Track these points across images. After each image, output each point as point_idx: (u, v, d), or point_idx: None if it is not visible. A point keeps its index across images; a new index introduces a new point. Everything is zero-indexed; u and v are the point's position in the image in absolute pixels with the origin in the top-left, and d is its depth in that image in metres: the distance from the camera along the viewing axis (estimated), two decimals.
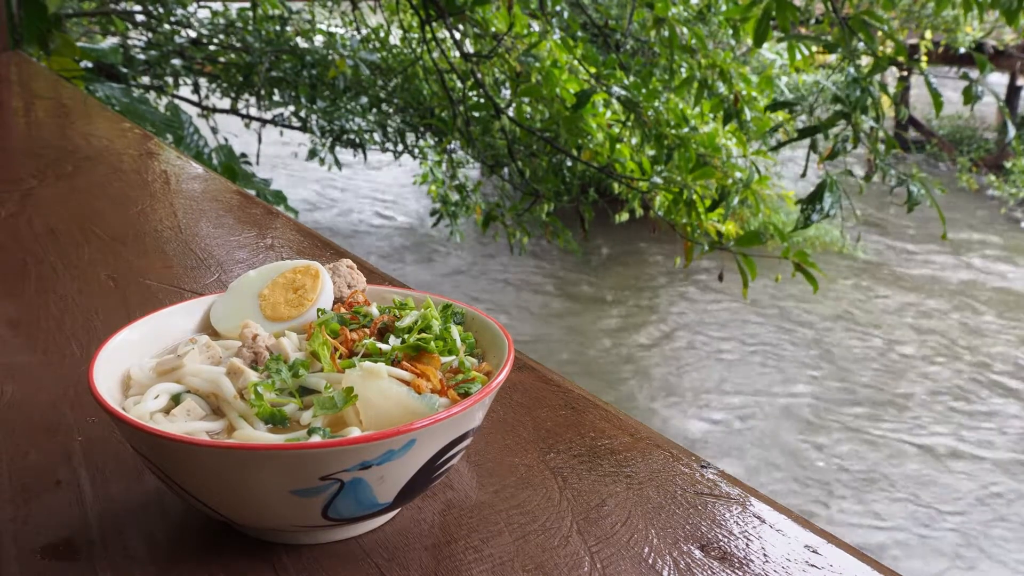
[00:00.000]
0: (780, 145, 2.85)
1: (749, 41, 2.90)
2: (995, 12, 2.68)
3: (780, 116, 3.41)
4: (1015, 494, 4.28)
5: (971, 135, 10.63)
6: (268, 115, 5.54)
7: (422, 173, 4.95)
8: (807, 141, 2.66)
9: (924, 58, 7.64)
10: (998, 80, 10.51)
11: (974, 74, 2.49)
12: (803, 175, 2.67)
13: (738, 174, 3.05)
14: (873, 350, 5.94)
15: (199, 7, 5.47)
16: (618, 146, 3.17)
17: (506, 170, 4.17)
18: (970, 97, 2.43)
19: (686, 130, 3.09)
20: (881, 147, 2.53)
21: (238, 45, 5.13)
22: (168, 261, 1.10)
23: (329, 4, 6.09)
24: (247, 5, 5.33)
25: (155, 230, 1.22)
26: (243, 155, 4.59)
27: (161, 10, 5.06)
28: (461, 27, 3.49)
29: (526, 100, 3.40)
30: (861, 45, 2.53)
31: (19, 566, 0.55)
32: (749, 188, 2.99)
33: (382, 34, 5.31)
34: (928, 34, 7.82)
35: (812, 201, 2.35)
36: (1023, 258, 7.89)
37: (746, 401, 5.17)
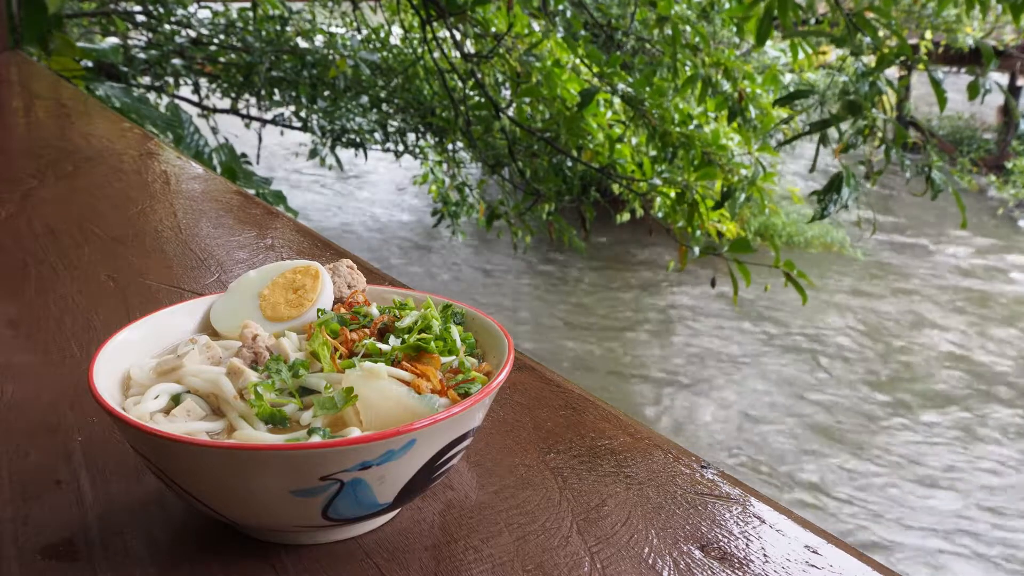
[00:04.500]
0: (790, 139, 2.84)
1: (751, 39, 2.90)
2: (995, 12, 2.68)
3: (786, 112, 3.41)
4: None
5: (971, 135, 10.63)
6: (268, 115, 5.54)
7: (423, 173, 4.95)
8: (815, 137, 2.65)
9: (924, 58, 7.63)
10: (998, 81, 10.52)
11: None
12: (812, 169, 2.67)
13: (743, 171, 3.05)
14: (871, 351, 5.93)
15: (199, 7, 5.46)
16: (618, 146, 3.17)
17: (507, 170, 4.17)
18: (976, 91, 2.42)
19: (691, 127, 3.08)
20: (890, 139, 2.51)
21: (238, 45, 5.13)
22: (168, 261, 1.10)
23: (330, 4, 6.09)
24: (247, 5, 5.33)
25: (155, 230, 1.21)
26: (243, 155, 4.59)
27: (161, 10, 5.06)
28: (461, 27, 3.49)
29: (527, 100, 3.39)
30: (867, 41, 2.52)
31: (19, 566, 0.55)
32: (755, 185, 2.99)
33: (382, 34, 5.30)
34: (928, 34, 7.82)
35: (828, 192, 2.32)
36: (1023, 258, 7.88)
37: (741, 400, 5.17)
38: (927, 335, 6.18)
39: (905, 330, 6.25)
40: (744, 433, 4.79)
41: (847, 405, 5.15)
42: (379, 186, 9.34)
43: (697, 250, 2.87)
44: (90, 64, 4.08)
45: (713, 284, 3.39)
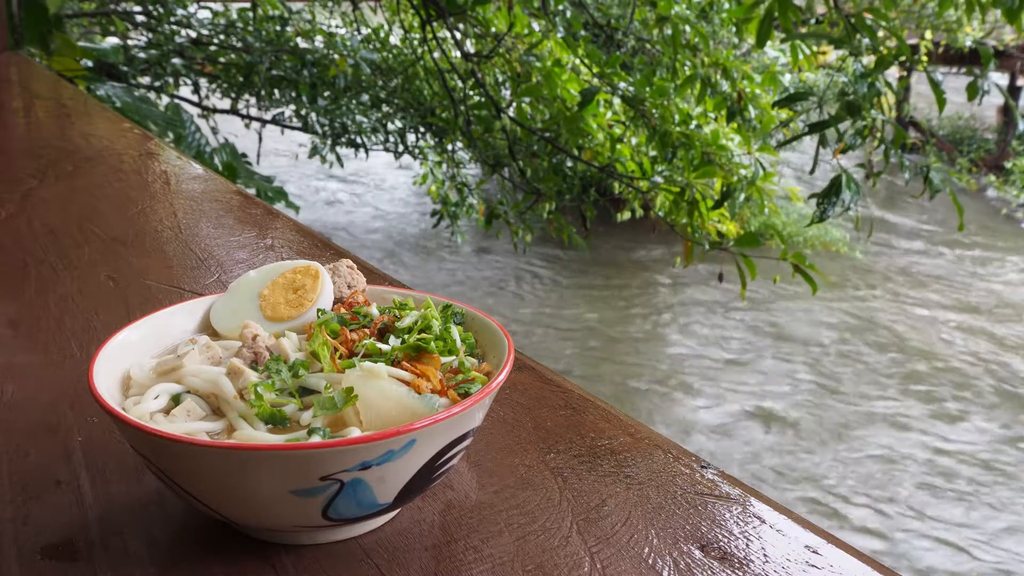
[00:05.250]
0: (789, 140, 2.85)
1: (751, 40, 2.90)
2: (996, 12, 2.68)
3: (785, 113, 3.41)
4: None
5: (971, 135, 10.63)
6: (268, 115, 5.54)
7: (422, 174, 4.95)
8: (814, 138, 2.65)
9: (924, 58, 7.65)
10: (998, 80, 10.52)
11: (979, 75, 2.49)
12: (812, 171, 2.67)
13: (743, 171, 3.06)
14: (870, 350, 5.93)
15: (199, 7, 5.47)
16: (618, 146, 3.17)
17: (507, 170, 4.17)
18: (975, 92, 2.42)
19: (691, 127, 3.09)
20: (889, 140, 2.52)
21: (238, 45, 5.13)
22: (168, 261, 1.10)
23: (330, 4, 6.09)
24: (247, 5, 5.33)
25: (155, 230, 1.21)
26: (243, 155, 4.59)
27: (161, 10, 5.06)
28: (461, 27, 3.49)
29: (527, 100, 3.40)
30: (866, 42, 2.52)
31: (19, 566, 0.55)
32: (754, 185, 2.99)
33: (382, 34, 5.30)
34: (928, 34, 7.82)
35: (828, 195, 2.32)
36: (1023, 258, 7.88)
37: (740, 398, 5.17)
38: (935, 337, 6.18)
39: (911, 331, 6.25)
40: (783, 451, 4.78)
41: (866, 409, 5.16)
42: (381, 190, 9.34)
43: (707, 245, 2.87)
44: (90, 64, 4.09)
45: (720, 279, 3.39)
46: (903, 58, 2.62)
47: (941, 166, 2.53)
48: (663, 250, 7.50)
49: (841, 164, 2.40)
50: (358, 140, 5.26)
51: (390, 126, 5.34)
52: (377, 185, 9.37)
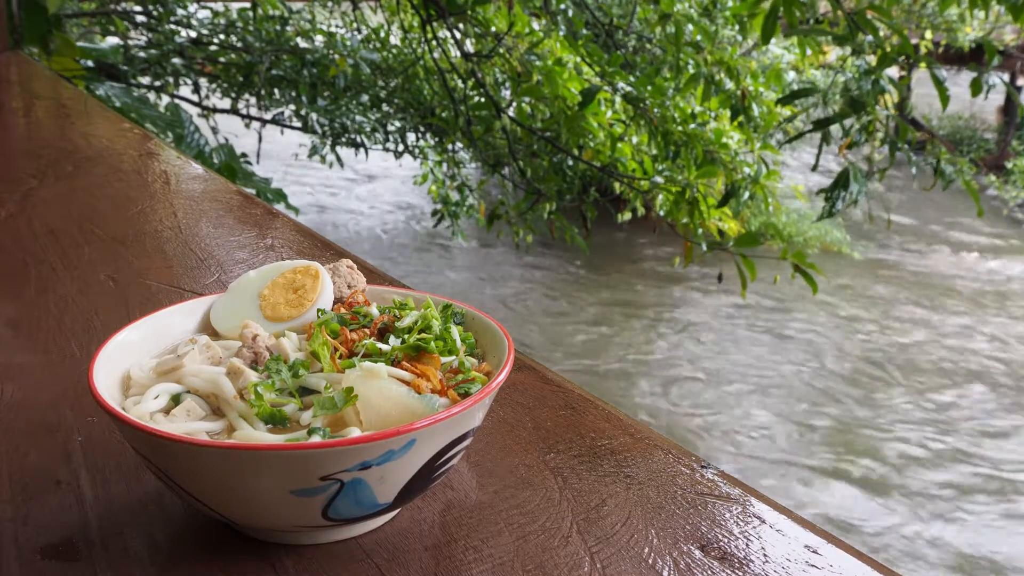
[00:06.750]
0: (792, 139, 2.84)
1: (754, 37, 2.90)
2: (995, 13, 2.68)
3: (789, 111, 3.41)
4: None
5: (971, 136, 10.62)
6: (268, 115, 5.54)
7: (422, 174, 4.95)
8: (816, 136, 2.65)
9: (926, 57, 7.64)
10: (1000, 77, 10.52)
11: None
12: (815, 168, 2.67)
13: (746, 170, 3.05)
14: (871, 349, 5.93)
15: (199, 7, 5.46)
16: (619, 145, 3.17)
17: (507, 169, 4.17)
18: (979, 87, 2.42)
19: (693, 126, 3.08)
20: (894, 135, 2.51)
21: (238, 45, 5.13)
22: (168, 261, 1.10)
23: (329, 4, 6.09)
24: (247, 5, 5.33)
25: (155, 230, 1.21)
26: (243, 155, 4.59)
27: (161, 10, 5.06)
28: (461, 26, 3.49)
29: (527, 100, 3.39)
30: (868, 39, 2.52)
31: (19, 566, 0.55)
32: (758, 183, 2.99)
33: (382, 34, 5.30)
34: (928, 34, 7.82)
35: (835, 189, 2.32)
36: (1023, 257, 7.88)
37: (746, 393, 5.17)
38: (936, 336, 6.18)
39: (911, 330, 6.25)
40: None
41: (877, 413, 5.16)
42: (381, 189, 9.34)
43: (704, 246, 2.87)
44: (90, 64, 4.08)
45: (720, 279, 3.39)
46: (904, 56, 2.62)
47: (951, 157, 2.53)
48: (664, 249, 7.50)
49: (848, 159, 2.40)
50: (358, 140, 5.26)
51: (390, 126, 5.33)
52: (377, 184, 9.37)
